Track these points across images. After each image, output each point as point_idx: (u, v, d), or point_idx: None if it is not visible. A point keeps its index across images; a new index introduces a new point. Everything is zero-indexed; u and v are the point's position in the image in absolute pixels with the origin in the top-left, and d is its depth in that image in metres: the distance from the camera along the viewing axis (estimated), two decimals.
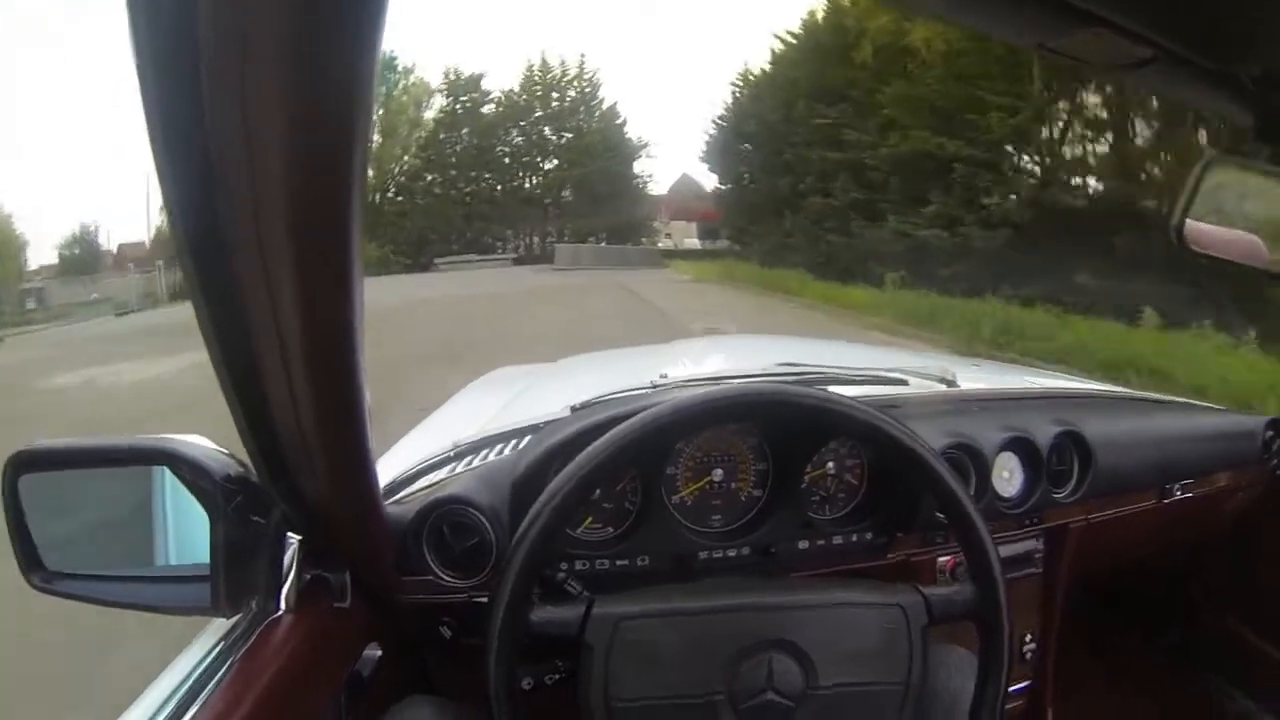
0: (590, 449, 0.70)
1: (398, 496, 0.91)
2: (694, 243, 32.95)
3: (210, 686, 0.61)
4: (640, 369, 1.57)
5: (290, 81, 0.34)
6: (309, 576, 0.72)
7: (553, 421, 0.97)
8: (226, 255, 0.42)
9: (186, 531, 0.66)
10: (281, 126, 0.35)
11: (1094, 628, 1.55)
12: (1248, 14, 0.51)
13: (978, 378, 1.44)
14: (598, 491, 0.89)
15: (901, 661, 0.72)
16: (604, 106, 34.15)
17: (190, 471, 0.63)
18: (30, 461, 0.64)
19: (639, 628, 0.69)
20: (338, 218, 0.40)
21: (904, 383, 1.21)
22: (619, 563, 0.89)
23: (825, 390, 0.91)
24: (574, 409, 1.00)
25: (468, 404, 1.74)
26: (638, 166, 34.74)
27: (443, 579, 0.85)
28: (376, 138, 30.67)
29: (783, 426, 0.91)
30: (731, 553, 0.91)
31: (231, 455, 0.64)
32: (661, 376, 1.13)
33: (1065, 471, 1.10)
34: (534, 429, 0.99)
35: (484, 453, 0.99)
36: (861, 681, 0.71)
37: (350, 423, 0.56)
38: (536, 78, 33.70)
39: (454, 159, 33.95)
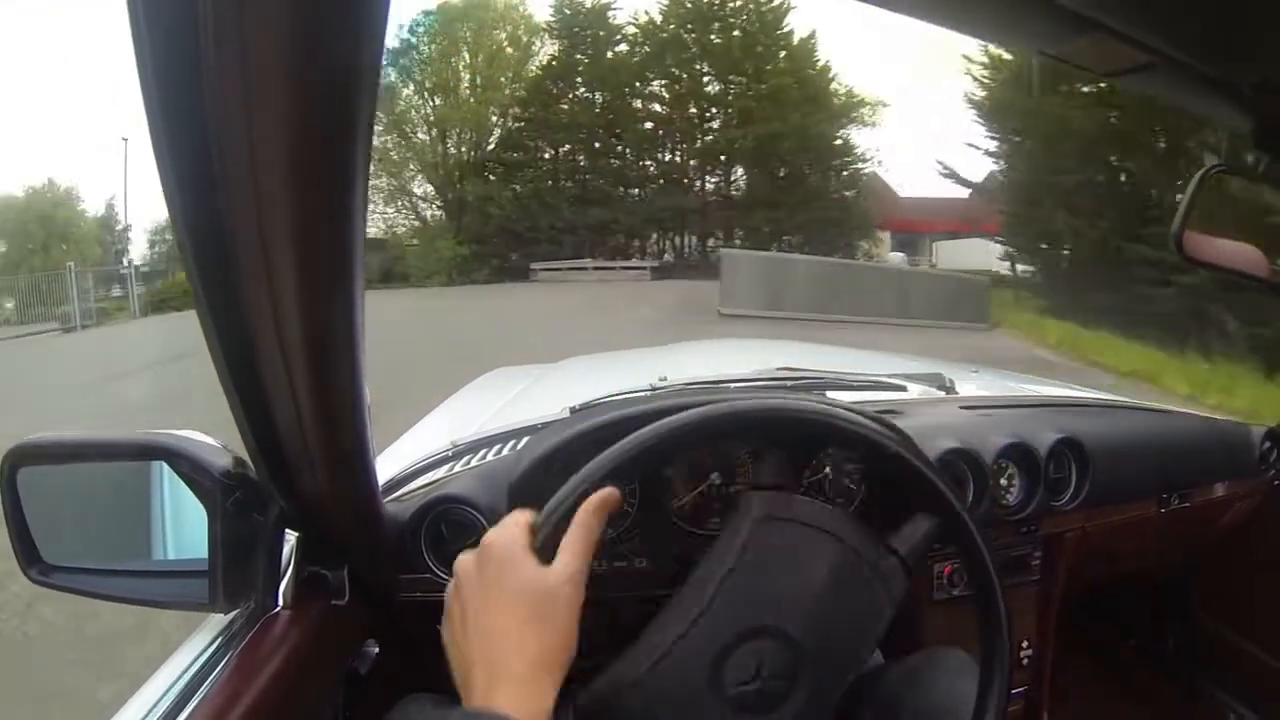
0: (586, 469, 0.69)
1: (396, 494, 0.91)
2: (897, 257, 20.55)
3: (208, 682, 0.61)
4: (640, 371, 1.58)
5: (292, 82, 0.34)
6: (307, 573, 0.72)
7: (552, 422, 0.97)
8: (228, 252, 0.42)
9: (185, 527, 0.66)
10: (284, 126, 0.36)
11: (1091, 635, 1.55)
12: (1247, 21, 0.51)
13: (976, 384, 1.44)
14: None
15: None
16: (794, 41, 21.02)
17: (188, 467, 0.63)
18: (29, 454, 0.65)
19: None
20: (340, 215, 0.41)
21: (903, 389, 1.21)
22: (617, 564, 0.89)
23: (823, 398, 0.91)
24: (573, 410, 1.00)
25: (467, 403, 1.74)
26: (855, 138, 21.02)
27: (440, 577, 0.86)
28: (462, 88, 22.60)
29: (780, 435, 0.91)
30: None
31: (230, 451, 0.65)
32: (661, 379, 1.13)
33: (1063, 479, 1.10)
34: (533, 429, 0.99)
35: (483, 452, 0.99)
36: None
37: (350, 420, 0.56)
38: (689, 2, 21.48)
39: (565, 120, 22.02)
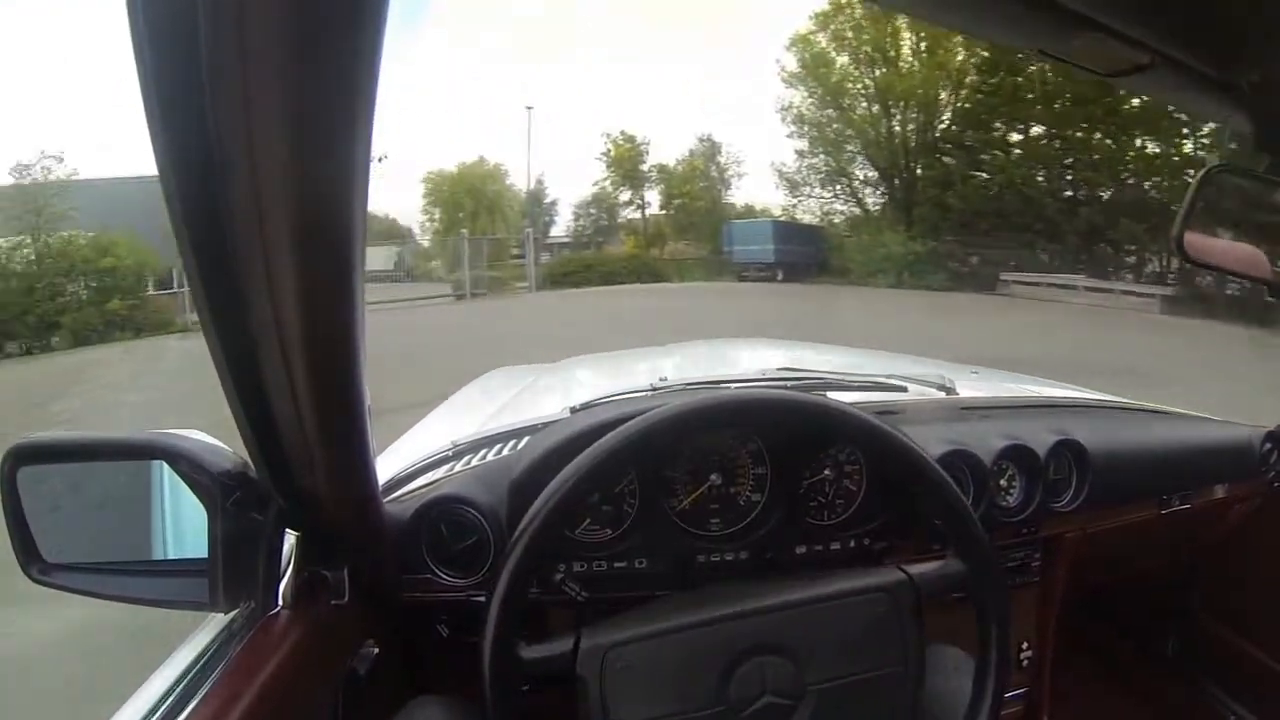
0: (588, 452, 0.70)
1: (396, 495, 0.91)
2: None
3: (208, 682, 0.62)
4: (640, 371, 1.58)
5: (292, 82, 0.34)
6: (307, 573, 0.72)
7: (552, 422, 0.97)
8: (229, 253, 0.42)
9: (185, 526, 0.66)
10: (283, 127, 0.36)
11: (1091, 636, 1.55)
12: (1246, 21, 0.51)
13: (976, 385, 1.44)
14: (596, 495, 0.89)
15: (894, 645, 0.72)
16: None
17: (188, 466, 0.63)
18: (29, 454, 0.65)
19: (628, 653, 0.69)
20: (340, 216, 0.41)
21: (903, 389, 1.21)
22: (617, 564, 0.89)
23: (824, 396, 0.92)
24: (573, 410, 1.00)
25: (467, 403, 1.73)
26: None
27: (440, 577, 0.86)
28: (904, 55, 17.95)
29: (782, 431, 0.91)
30: (729, 556, 0.91)
31: (230, 451, 0.65)
32: (661, 379, 1.13)
33: (1063, 481, 1.10)
34: (533, 429, 0.99)
35: (483, 452, 0.99)
36: (857, 671, 0.71)
37: (350, 420, 0.56)
38: None
39: (1038, 93, 16.09)
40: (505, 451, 0.98)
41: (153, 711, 0.59)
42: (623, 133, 24.17)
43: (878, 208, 20.00)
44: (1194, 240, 0.89)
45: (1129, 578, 1.44)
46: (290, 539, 0.70)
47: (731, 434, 0.93)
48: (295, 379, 0.49)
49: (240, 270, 0.43)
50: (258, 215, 0.39)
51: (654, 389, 1.08)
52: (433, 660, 0.99)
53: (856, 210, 20.51)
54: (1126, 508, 1.16)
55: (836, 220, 20.87)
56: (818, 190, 20.92)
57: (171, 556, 0.69)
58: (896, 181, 19.29)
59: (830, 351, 2.19)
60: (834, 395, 0.99)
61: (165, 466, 0.65)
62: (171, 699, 0.60)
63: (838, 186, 20.62)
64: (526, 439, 0.98)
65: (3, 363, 11.64)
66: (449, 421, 1.51)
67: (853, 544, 0.95)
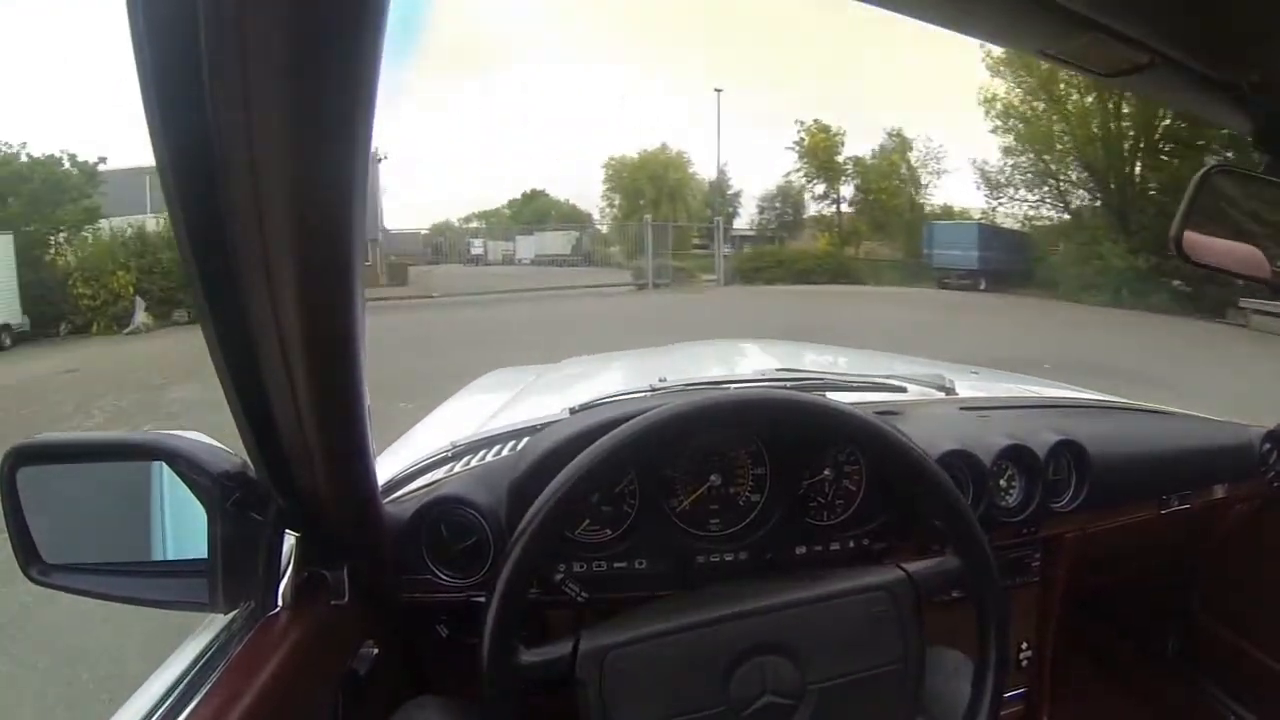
0: (587, 452, 0.70)
1: (396, 495, 0.91)
2: None
3: (208, 682, 0.61)
4: (639, 372, 1.58)
5: (292, 82, 0.34)
6: (306, 573, 0.72)
7: (552, 423, 0.97)
8: (229, 252, 0.42)
9: (185, 527, 0.66)
10: (283, 126, 0.36)
11: (1091, 637, 1.55)
12: (1246, 21, 0.51)
13: (976, 386, 1.44)
14: (596, 495, 0.89)
15: (894, 643, 0.73)
16: None
17: (187, 467, 0.63)
18: (29, 454, 0.65)
19: (628, 656, 0.68)
20: (340, 216, 0.41)
21: (903, 390, 1.21)
22: (617, 565, 0.89)
23: (823, 396, 0.92)
24: (573, 410, 1.00)
25: (467, 404, 1.73)
26: None
27: (440, 578, 0.86)
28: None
29: (782, 432, 0.92)
30: (729, 557, 0.91)
31: (229, 451, 0.65)
32: (660, 380, 1.13)
33: (1063, 481, 1.10)
34: (533, 430, 0.99)
35: (482, 453, 0.99)
36: (858, 669, 0.71)
37: (350, 421, 0.56)
38: None
39: None
40: (505, 452, 0.98)
41: (153, 711, 0.59)
42: (816, 121, 22.30)
43: (1090, 214, 17.31)
44: (1193, 240, 0.89)
45: (1129, 578, 1.44)
46: (290, 539, 0.70)
47: (731, 434, 0.93)
48: (295, 379, 0.49)
49: (240, 270, 0.43)
50: (258, 215, 0.39)
51: (653, 389, 1.09)
52: (432, 661, 0.99)
53: (1065, 215, 17.90)
54: (1126, 508, 1.16)
55: (1039, 225, 18.43)
56: (1022, 192, 18.45)
57: (171, 557, 0.69)
58: (1112, 185, 16.64)
59: (830, 352, 2.19)
60: (834, 396, 0.99)
61: (165, 467, 0.65)
62: (172, 699, 0.60)
63: (1044, 188, 18.03)
64: (526, 439, 0.97)
65: (169, 329, 12.31)
66: (448, 422, 1.51)
67: (852, 544, 0.95)
